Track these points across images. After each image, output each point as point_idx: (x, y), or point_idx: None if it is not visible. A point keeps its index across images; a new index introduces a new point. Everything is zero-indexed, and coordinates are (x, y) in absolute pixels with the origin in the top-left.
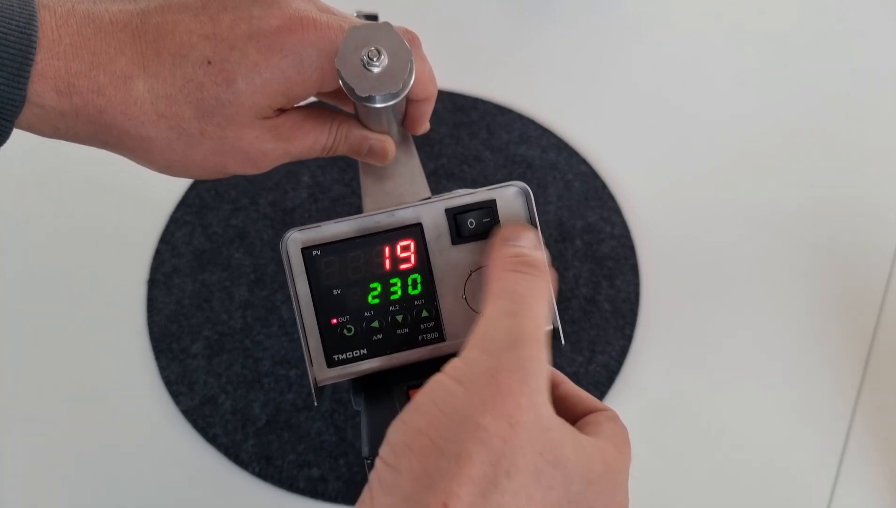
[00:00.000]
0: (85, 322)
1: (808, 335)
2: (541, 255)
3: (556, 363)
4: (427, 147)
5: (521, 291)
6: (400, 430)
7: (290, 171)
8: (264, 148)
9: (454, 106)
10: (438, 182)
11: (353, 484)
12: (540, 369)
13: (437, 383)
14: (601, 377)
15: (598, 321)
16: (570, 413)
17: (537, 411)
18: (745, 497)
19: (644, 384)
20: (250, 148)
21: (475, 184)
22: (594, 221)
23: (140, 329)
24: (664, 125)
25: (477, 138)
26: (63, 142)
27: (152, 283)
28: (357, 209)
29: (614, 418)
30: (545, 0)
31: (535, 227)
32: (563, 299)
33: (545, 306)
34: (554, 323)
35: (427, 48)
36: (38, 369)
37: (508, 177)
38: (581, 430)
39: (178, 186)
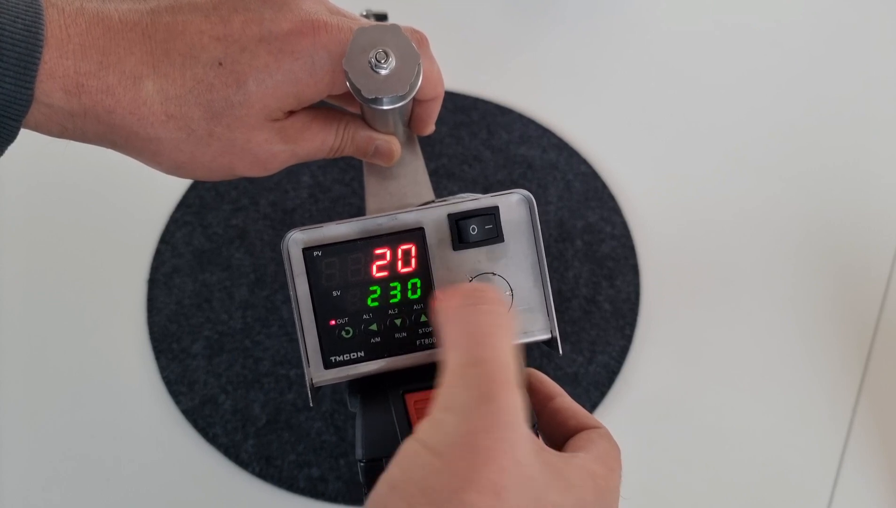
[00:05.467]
0: (85, 322)
1: (808, 335)
2: (496, 290)
3: (556, 364)
4: (427, 147)
5: (478, 330)
6: None
7: (291, 171)
8: (273, 150)
9: (454, 106)
10: (439, 182)
11: (353, 484)
12: (516, 416)
13: (412, 453)
14: (601, 377)
15: (598, 321)
16: (562, 428)
17: (520, 467)
18: (746, 496)
19: (644, 384)
20: (259, 150)
21: (475, 184)
22: (594, 221)
23: (140, 329)
24: (664, 126)
25: (477, 138)
26: (64, 143)
27: (152, 283)
28: (357, 210)
29: (606, 436)
30: (546, 1)
31: (537, 233)
32: (563, 300)
33: (509, 340)
34: (552, 332)
35: None
36: (39, 368)
37: (509, 177)
38: (572, 447)
39: (178, 187)
